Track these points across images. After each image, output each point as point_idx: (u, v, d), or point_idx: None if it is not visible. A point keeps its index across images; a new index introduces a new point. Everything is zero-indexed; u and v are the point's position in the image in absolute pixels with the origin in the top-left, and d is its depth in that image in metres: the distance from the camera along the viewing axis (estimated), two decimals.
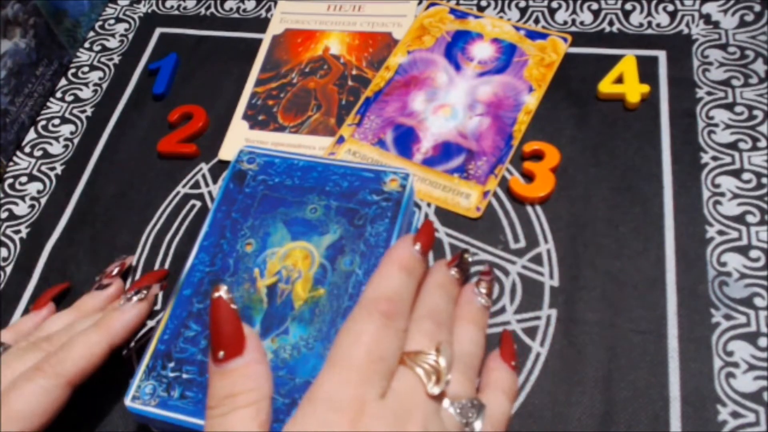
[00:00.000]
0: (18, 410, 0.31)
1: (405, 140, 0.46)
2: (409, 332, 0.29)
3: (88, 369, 0.33)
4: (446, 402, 0.29)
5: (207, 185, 0.47)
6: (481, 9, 0.53)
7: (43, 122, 0.54)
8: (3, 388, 0.32)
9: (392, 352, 0.28)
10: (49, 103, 0.55)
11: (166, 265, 0.44)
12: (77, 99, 0.55)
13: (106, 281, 0.41)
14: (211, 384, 0.27)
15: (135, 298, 0.37)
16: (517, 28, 0.51)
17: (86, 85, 0.56)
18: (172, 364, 0.33)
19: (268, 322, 0.34)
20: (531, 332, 0.37)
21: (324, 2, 0.56)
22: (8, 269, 0.46)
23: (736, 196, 0.40)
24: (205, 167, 0.48)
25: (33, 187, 0.50)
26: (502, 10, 0.53)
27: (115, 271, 0.42)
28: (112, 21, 0.60)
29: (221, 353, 0.26)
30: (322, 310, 0.34)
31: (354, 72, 0.51)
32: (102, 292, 0.40)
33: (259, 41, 0.55)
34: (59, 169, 0.51)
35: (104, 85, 0.55)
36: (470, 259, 0.36)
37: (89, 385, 0.34)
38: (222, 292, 0.26)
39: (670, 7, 0.50)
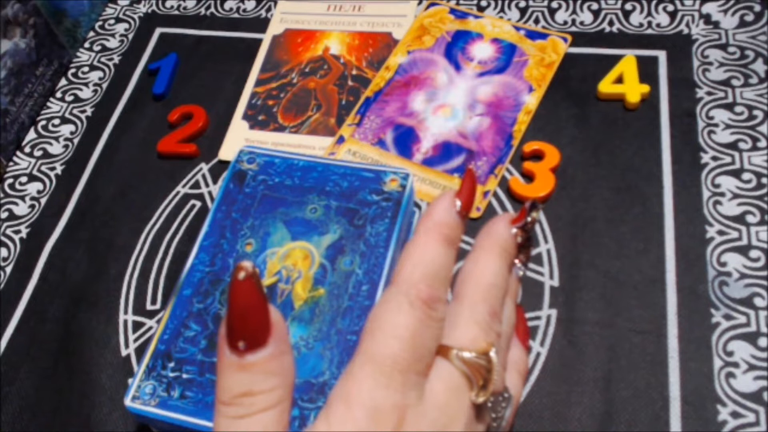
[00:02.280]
0: None
1: (405, 140, 0.46)
2: (457, 315, 0.25)
3: None
4: None
5: (207, 185, 0.47)
6: (481, 9, 0.53)
7: (43, 122, 0.54)
8: None
9: (432, 345, 0.24)
10: (49, 103, 0.55)
11: (166, 265, 0.44)
12: (77, 99, 0.55)
13: None
14: (223, 375, 0.22)
15: None
16: (517, 28, 0.51)
17: (86, 85, 0.56)
18: (172, 364, 0.33)
19: None
20: (531, 332, 0.37)
21: (324, 2, 0.56)
22: (8, 269, 0.46)
23: (736, 196, 0.40)
24: (205, 167, 0.48)
25: (33, 187, 0.50)
26: (502, 10, 0.53)
27: None
28: (112, 21, 0.60)
29: (242, 343, 0.21)
30: (322, 310, 0.34)
31: (354, 72, 0.51)
32: None
33: (259, 41, 0.55)
34: (59, 169, 0.51)
35: (104, 85, 0.55)
36: (538, 217, 0.29)
37: (89, 385, 0.34)
38: (246, 272, 0.21)
39: (670, 7, 0.50)
